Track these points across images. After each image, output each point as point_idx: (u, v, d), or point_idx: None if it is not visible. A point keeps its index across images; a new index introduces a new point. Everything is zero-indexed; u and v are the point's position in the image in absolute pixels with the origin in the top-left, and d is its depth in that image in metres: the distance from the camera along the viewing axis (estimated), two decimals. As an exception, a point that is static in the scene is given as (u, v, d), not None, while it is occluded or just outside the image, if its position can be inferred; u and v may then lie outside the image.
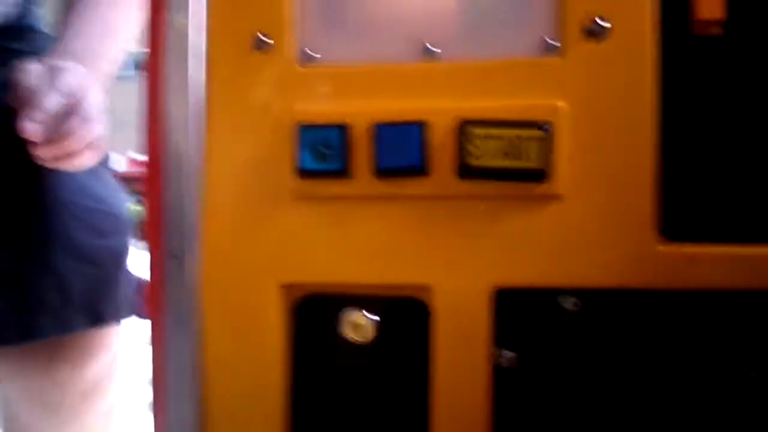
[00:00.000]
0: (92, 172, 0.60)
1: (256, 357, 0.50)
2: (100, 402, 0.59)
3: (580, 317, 0.45)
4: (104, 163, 0.63)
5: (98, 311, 0.57)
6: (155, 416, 0.52)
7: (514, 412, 0.47)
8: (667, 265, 0.44)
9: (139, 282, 0.59)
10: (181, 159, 0.49)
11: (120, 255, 0.60)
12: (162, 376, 0.51)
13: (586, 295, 0.45)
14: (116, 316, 0.59)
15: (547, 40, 0.45)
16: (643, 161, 0.44)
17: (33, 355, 0.55)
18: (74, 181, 0.58)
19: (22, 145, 0.51)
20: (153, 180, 0.50)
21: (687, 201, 0.46)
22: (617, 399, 0.45)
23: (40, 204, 0.55)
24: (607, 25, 0.44)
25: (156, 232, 0.50)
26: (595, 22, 0.44)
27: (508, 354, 0.46)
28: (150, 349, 0.52)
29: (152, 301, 0.51)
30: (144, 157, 0.51)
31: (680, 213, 0.46)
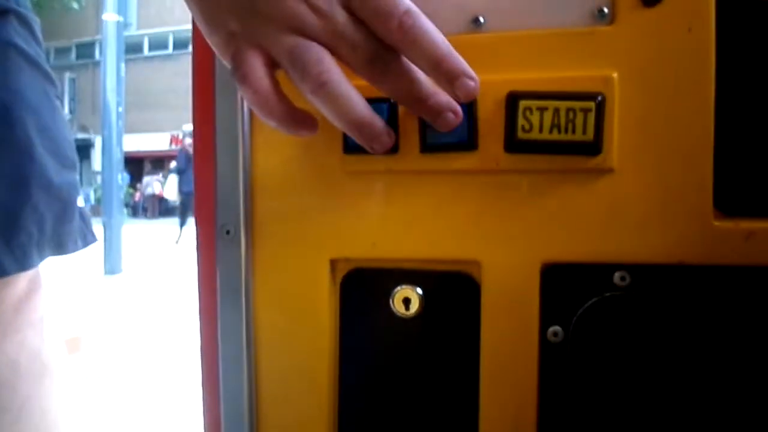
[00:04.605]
0: (47, 102, 0.62)
1: (306, 331, 0.50)
2: (31, 313, 0.62)
3: (630, 293, 0.45)
4: (51, 90, 0.64)
5: (61, 242, 0.61)
6: (206, 390, 0.53)
7: (561, 387, 0.46)
8: (723, 240, 0.43)
9: (83, 213, 0.64)
10: (230, 135, 0.50)
11: (76, 187, 0.64)
12: (213, 351, 0.52)
13: (634, 270, 0.45)
14: (74, 247, 0.64)
15: (598, 8, 0.44)
16: (700, 134, 0.43)
17: None
18: (36, 114, 0.60)
19: None
20: (203, 156, 0.51)
21: (744, 175, 0.45)
22: (666, 377, 0.45)
23: (16, 141, 0.58)
24: None
25: (207, 208, 0.51)
26: None
27: (556, 329, 0.46)
28: (199, 322, 0.53)
29: (203, 276, 0.52)
30: (193, 135, 0.52)
31: (737, 187, 0.44)
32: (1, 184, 0.56)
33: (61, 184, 0.60)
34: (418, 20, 0.41)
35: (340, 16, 0.41)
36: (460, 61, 0.41)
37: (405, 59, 0.42)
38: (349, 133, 0.43)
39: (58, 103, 0.65)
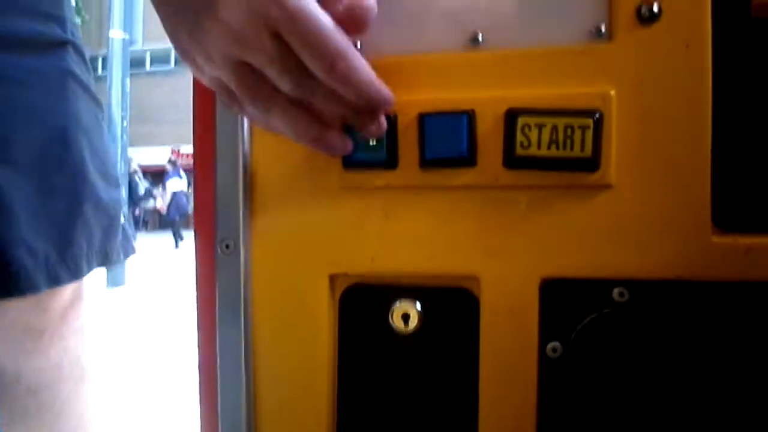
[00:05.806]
0: (97, 125, 0.66)
1: (305, 346, 0.50)
2: (75, 321, 0.66)
3: (628, 309, 0.45)
4: (99, 114, 0.68)
5: (107, 255, 0.66)
6: (203, 403, 0.53)
7: (560, 403, 0.46)
8: (721, 256, 0.43)
9: (124, 227, 0.69)
10: (230, 149, 0.50)
11: (121, 204, 0.69)
12: (211, 364, 0.52)
13: (633, 285, 0.45)
14: (117, 258, 0.68)
15: (596, 26, 0.45)
16: (697, 150, 0.43)
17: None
18: (88, 136, 0.65)
19: None
20: (203, 170, 0.51)
21: (742, 191, 0.45)
22: (664, 392, 0.45)
23: (72, 162, 0.62)
24: (658, 8, 0.43)
25: (206, 221, 0.51)
26: (646, 5, 0.43)
27: (555, 345, 0.46)
28: (198, 336, 0.53)
29: (202, 290, 0.52)
30: (192, 149, 0.52)
31: (735, 203, 0.45)
32: (58, 200, 0.60)
33: (108, 201, 0.65)
34: (351, 63, 0.40)
35: (268, 48, 0.40)
36: (384, 92, 0.43)
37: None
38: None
39: (104, 125, 0.69)
